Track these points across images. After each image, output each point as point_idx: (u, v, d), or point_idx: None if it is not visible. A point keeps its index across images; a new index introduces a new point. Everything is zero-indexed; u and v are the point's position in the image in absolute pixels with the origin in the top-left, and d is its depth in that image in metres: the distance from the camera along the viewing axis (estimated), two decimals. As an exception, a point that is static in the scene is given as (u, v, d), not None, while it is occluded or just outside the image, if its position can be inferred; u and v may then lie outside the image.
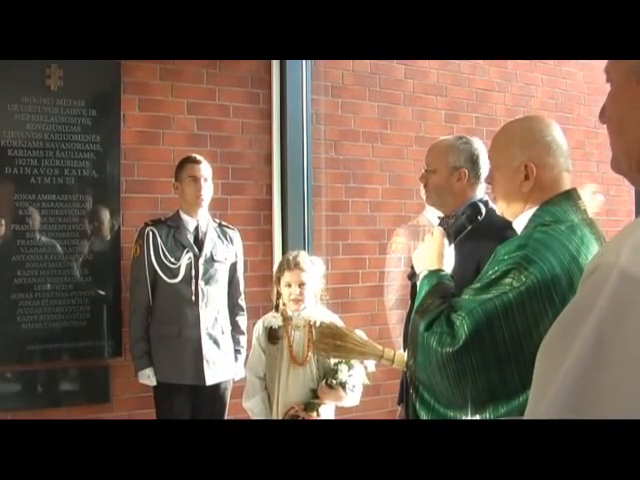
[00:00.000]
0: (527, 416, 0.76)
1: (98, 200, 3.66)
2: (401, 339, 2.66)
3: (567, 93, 5.42)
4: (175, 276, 3.29)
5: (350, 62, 4.43)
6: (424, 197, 2.87)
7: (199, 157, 3.41)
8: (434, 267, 1.77)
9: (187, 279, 3.29)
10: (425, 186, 2.50)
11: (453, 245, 1.88)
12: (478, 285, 1.61)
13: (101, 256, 3.65)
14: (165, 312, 3.30)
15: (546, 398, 0.71)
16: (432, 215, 3.47)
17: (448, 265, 1.79)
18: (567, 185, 1.72)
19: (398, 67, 4.61)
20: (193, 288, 3.29)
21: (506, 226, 2.35)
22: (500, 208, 1.79)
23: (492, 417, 1.56)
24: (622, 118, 0.86)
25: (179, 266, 3.30)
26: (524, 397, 1.53)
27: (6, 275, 3.43)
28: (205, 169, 3.38)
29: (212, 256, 3.37)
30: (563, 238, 1.59)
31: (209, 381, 3.29)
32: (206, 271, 3.33)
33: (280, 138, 4.09)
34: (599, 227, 1.75)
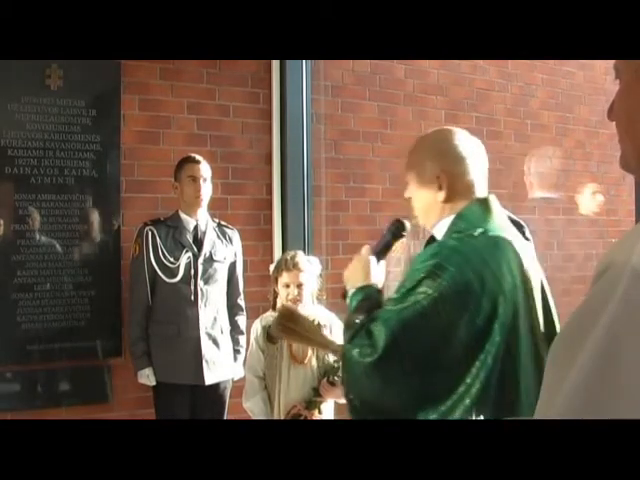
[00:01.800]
0: (538, 416, 0.76)
1: (98, 200, 3.66)
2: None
3: (567, 93, 5.43)
4: (174, 276, 3.29)
5: (350, 62, 4.43)
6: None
7: (198, 157, 3.41)
8: (362, 284, 1.79)
9: (186, 279, 3.29)
10: None
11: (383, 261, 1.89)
12: (396, 295, 1.64)
13: (101, 256, 3.65)
14: (164, 312, 3.30)
15: (559, 397, 0.70)
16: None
17: (378, 280, 1.82)
18: (482, 192, 1.76)
19: (398, 67, 4.61)
20: (192, 288, 3.29)
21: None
22: (420, 219, 1.82)
23: None
24: (631, 115, 0.86)
25: (178, 266, 3.30)
26: (451, 403, 1.57)
27: (6, 275, 3.43)
28: (204, 169, 3.38)
29: (211, 256, 3.37)
30: (476, 243, 1.63)
31: (208, 381, 3.29)
32: (205, 271, 3.33)
33: (280, 138, 4.09)
34: (515, 231, 1.79)
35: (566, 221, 5.39)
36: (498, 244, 1.65)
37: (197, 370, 3.27)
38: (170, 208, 3.51)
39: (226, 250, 3.45)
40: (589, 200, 5.37)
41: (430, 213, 1.77)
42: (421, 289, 1.58)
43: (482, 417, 1.57)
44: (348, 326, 1.70)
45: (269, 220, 4.09)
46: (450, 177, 1.72)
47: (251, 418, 3.00)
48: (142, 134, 3.79)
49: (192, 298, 3.29)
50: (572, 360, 0.70)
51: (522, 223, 2.38)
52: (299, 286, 2.96)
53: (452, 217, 1.72)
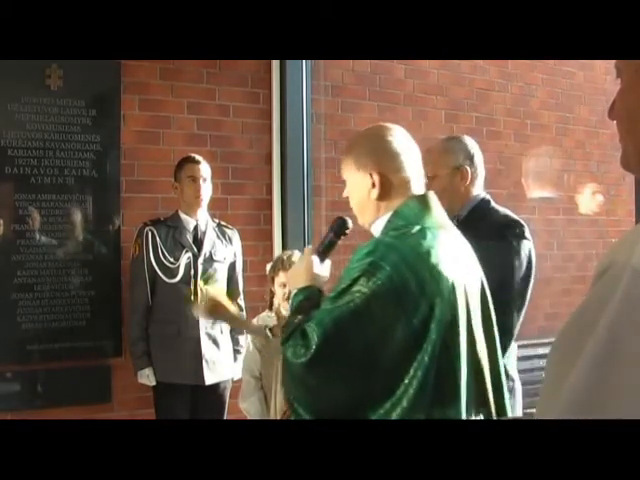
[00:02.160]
0: (538, 415, 0.76)
1: (98, 200, 3.66)
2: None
3: (567, 93, 5.43)
4: (174, 276, 3.29)
5: (350, 62, 4.43)
6: None
7: (198, 157, 3.41)
8: (303, 284, 1.77)
9: (186, 279, 3.29)
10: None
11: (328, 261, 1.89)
12: (332, 295, 1.62)
13: (101, 256, 3.65)
14: (164, 312, 3.30)
15: (559, 398, 0.70)
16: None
17: (321, 280, 1.80)
18: (419, 190, 1.74)
19: (398, 67, 4.61)
20: (192, 288, 3.29)
21: (506, 224, 2.36)
22: (358, 217, 1.80)
23: None
24: (632, 115, 0.85)
25: (178, 266, 3.30)
26: (390, 403, 1.54)
27: (6, 275, 3.43)
28: (204, 169, 3.38)
29: (211, 256, 3.37)
30: (413, 241, 1.60)
31: (208, 381, 3.29)
32: (205, 271, 3.33)
33: (280, 138, 4.08)
34: (454, 228, 1.78)
35: (566, 221, 5.39)
36: (436, 241, 1.62)
37: (197, 370, 3.27)
38: (170, 208, 3.51)
39: (226, 250, 3.45)
40: (589, 200, 5.37)
41: (366, 211, 1.76)
42: (356, 288, 1.55)
43: (421, 418, 1.54)
44: (287, 326, 1.68)
45: (269, 220, 4.09)
46: (383, 174, 1.70)
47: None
48: (142, 134, 3.79)
49: (192, 298, 3.29)
50: (572, 360, 0.70)
51: (522, 223, 2.38)
52: (295, 285, 2.95)
53: (389, 215, 1.70)
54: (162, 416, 3.29)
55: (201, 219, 3.41)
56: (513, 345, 2.44)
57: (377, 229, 1.73)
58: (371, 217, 1.75)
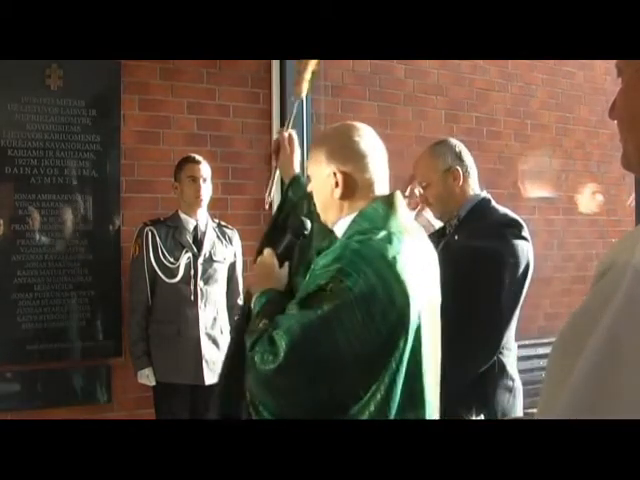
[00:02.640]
0: (539, 415, 0.75)
1: (98, 200, 3.66)
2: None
3: (567, 93, 5.42)
4: (174, 276, 3.29)
5: (350, 62, 4.43)
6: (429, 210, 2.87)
7: (198, 157, 3.41)
8: (265, 288, 1.76)
9: (186, 279, 3.29)
10: (427, 203, 2.49)
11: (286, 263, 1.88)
12: (298, 300, 1.61)
13: (101, 256, 3.65)
14: (164, 312, 3.30)
15: (560, 398, 0.70)
16: (432, 215, 3.47)
17: (282, 283, 1.79)
18: (384, 190, 1.73)
19: (398, 67, 4.61)
20: (192, 288, 3.29)
21: (505, 224, 2.36)
22: (321, 216, 1.79)
23: None
24: (633, 114, 0.85)
25: (178, 266, 3.29)
26: (357, 409, 1.55)
27: (6, 275, 3.43)
28: (204, 169, 3.38)
29: (211, 256, 3.37)
30: (380, 247, 1.58)
31: (208, 381, 3.29)
32: (205, 271, 3.33)
33: (280, 138, 4.08)
34: (421, 232, 1.78)
35: (566, 221, 5.39)
36: (401, 248, 1.60)
37: (197, 370, 3.27)
38: (170, 208, 3.51)
39: (226, 250, 3.45)
40: (589, 200, 5.37)
41: (329, 210, 1.74)
42: (323, 294, 1.54)
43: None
44: (251, 332, 1.65)
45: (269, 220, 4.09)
46: (347, 174, 1.69)
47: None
48: (142, 134, 3.79)
49: (192, 298, 3.29)
50: (573, 360, 0.70)
51: (521, 222, 2.38)
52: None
53: (353, 215, 1.69)
54: (162, 416, 3.29)
55: (201, 219, 3.41)
56: (513, 345, 2.43)
57: (340, 229, 1.72)
58: (334, 216, 1.74)
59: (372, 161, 1.72)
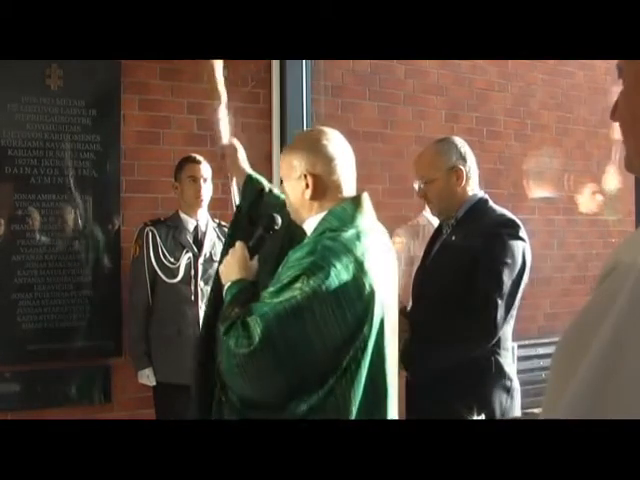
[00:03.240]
0: (543, 415, 0.75)
1: (98, 200, 3.66)
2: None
3: (567, 93, 5.42)
4: (174, 276, 3.29)
5: (350, 62, 4.43)
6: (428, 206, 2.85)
7: (199, 157, 3.41)
8: (236, 278, 1.88)
9: (186, 279, 3.29)
10: (426, 199, 2.48)
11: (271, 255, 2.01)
12: (272, 289, 1.73)
13: (101, 256, 3.65)
14: (164, 312, 3.30)
15: (564, 398, 0.70)
16: (431, 215, 3.47)
17: (252, 274, 1.91)
18: (351, 192, 1.88)
19: (398, 67, 4.61)
20: (192, 288, 3.29)
21: (502, 224, 2.36)
22: (292, 215, 1.93)
23: (294, 414, 1.68)
24: (636, 116, 0.84)
25: (178, 266, 3.29)
26: (322, 393, 1.69)
27: (6, 275, 3.43)
28: (205, 169, 3.38)
29: (211, 256, 3.37)
30: (349, 244, 1.73)
31: (209, 381, 3.29)
32: (205, 271, 3.33)
33: (280, 138, 4.08)
34: (384, 232, 1.91)
35: (566, 221, 5.39)
36: (368, 245, 1.75)
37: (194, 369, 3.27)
38: (170, 208, 3.51)
39: (226, 250, 3.45)
40: (589, 200, 5.37)
41: (300, 210, 1.88)
42: (297, 285, 1.67)
43: (353, 409, 1.69)
44: (224, 318, 1.77)
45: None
46: (317, 176, 1.83)
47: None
48: (142, 134, 3.79)
49: (192, 298, 3.29)
50: (578, 360, 0.70)
51: (518, 223, 2.38)
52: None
53: (323, 214, 1.83)
54: (162, 416, 3.28)
55: (201, 219, 3.41)
56: (510, 345, 2.44)
57: (310, 226, 1.85)
58: (304, 216, 1.88)
59: (340, 164, 1.86)
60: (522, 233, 2.35)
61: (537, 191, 5.18)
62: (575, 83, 5.47)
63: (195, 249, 3.34)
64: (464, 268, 2.25)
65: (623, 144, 0.88)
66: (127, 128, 3.75)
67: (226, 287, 1.89)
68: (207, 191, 3.38)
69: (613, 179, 5.22)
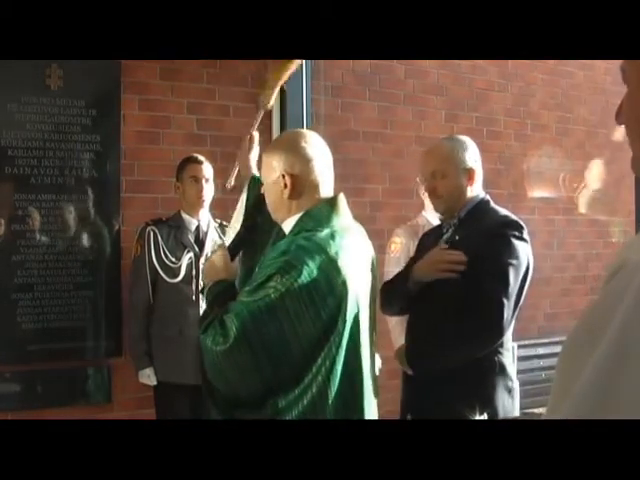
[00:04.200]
0: (548, 415, 0.75)
1: (98, 200, 3.66)
2: (401, 338, 2.67)
3: (567, 93, 5.42)
4: (176, 276, 3.29)
5: (350, 62, 4.43)
6: (427, 202, 2.84)
7: (200, 157, 3.41)
8: (217, 278, 1.94)
9: (188, 279, 3.29)
10: (433, 194, 2.45)
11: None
12: (248, 289, 1.78)
13: (101, 256, 3.65)
14: (166, 312, 3.30)
15: (570, 398, 0.70)
16: (431, 215, 3.48)
17: (233, 275, 1.98)
18: (328, 192, 1.92)
19: (398, 67, 4.61)
20: (194, 288, 3.29)
21: (506, 224, 2.36)
22: (272, 214, 1.97)
23: (273, 412, 1.73)
24: None
25: (180, 266, 3.30)
26: (299, 390, 1.73)
27: (6, 275, 3.42)
28: (206, 169, 3.38)
29: (212, 256, 3.37)
30: (323, 244, 1.77)
31: (209, 381, 3.29)
32: (206, 271, 3.33)
33: (280, 138, 4.08)
34: (361, 231, 1.96)
35: (566, 221, 5.39)
36: (343, 244, 1.80)
37: (198, 370, 3.27)
38: (170, 208, 3.51)
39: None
40: (589, 200, 5.37)
41: (279, 210, 1.92)
42: (271, 284, 1.72)
43: (330, 404, 1.73)
44: (204, 317, 1.85)
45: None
46: (295, 176, 1.87)
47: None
48: (142, 134, 3.79)
49: (193, 298, 3.29)
50: (584, 359, 0.70)
51: (522, 224, 2.38)
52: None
53: (300, 214, 1.87)
54: (163, 416, 3.28)
55: (203, 219, 3.41)
56: (511, 345, 2.44)
57: (288, 226, 1.89)
58: (283, 215, 1.91)
59: (318, 165, 1.90)
60: (525, 234, 2.35)
61: (537, 191, 5.18)
62: (575, 83, 5.47)
63: (196, 249, 3.34)
64: (470, 268, 2.25)
65: (630, 147, 0.87)
66: (127, 128, 3.75)
67: (207, 287, 1.95)
68: (209, 191, 3.38)
69: (597, 176, 5.22)
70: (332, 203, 1.89)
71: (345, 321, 1.77)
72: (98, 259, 3.64)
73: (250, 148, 2.44)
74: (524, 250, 2.31)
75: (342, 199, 1.92)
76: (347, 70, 4.44)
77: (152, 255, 3.29)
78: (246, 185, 2.35)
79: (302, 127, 4.12)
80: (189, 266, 3.30)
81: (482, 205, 2.43)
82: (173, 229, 3.35)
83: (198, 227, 3.39)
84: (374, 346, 1.95)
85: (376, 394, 1.92)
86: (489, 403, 2.25)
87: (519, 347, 4.23)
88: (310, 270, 1.72)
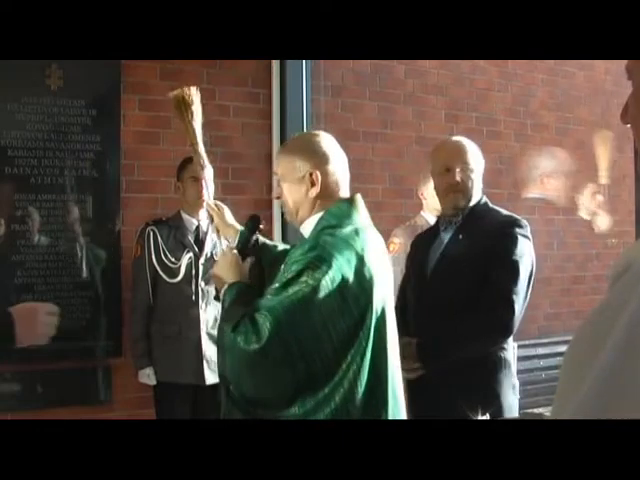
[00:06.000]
0: (554, 416, 0.75)
1: (98, 200, 3.65)
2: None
3: (567, 93, 5.42)
4: (176, 276, 3.29)
5: (350, 62, 4.42)
6: (427, 202, 2.84)
7: (200, 157, 3.40)
8: (232, 280, 1.91)
9: (187, 279, 3.29)
10: (458, 187, 2.41)
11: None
12: (277, 285, 1.76)
13: (101, 256, 3.65)
14: (165, 312, 3.30)
15: (576, 398, 0.70)
16: (430, 215, 3.48)
17: (244, 276, 1.95)
18: (346, 191, 1.93)
19: (398, 67, 4.61)
20: (193, 288, 3.29)
21: (512, 222, 2.38)
22: (289, 215, 1.97)
23: (300, 412, 1.70)
24: None
25: (179, 266, 3.30)
26: (328, 389, 1.70)
27: (6, 275, 3.42)
28: (207, 170, 3.37)
29: (212, 256, 3.37)
30: (348, 239, 1.78)
31: (209, 380, 3.29)
32: (206, 271, 3.33)
33: (280, 138, 4.08)
34: (375, 230, 1.94)
35: (566, 221, 5.39)
36: (366, 240, 1.81)
37: (198, 370, 3.27)
38: (170, 208, 3.51)
39: (226, 250, 3.45)
40: (589, 200, 5.37)
41: (301, 208, 1.91)
42: (302, 279, 1.70)
43: (359, 400, 1.71)
44: (230, 317, 1.78)
45: (269, 220, 4.09)
46: (322, 175, 1.87)
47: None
48: (142, 134, 3.79)
49: (193, 298, 3.29)
50: (591, 360, 0.70)
51: (525, 223, 2.41)
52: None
53: (320, 214, 1.87)
54: (162, 416, 3.28)
55: (203, 219, 3.41)
56: (513, 344, 2.45)
57: (310, 225, 1.89)
58: (305, 215, 1.91)
59: (338, 165, 1.92)
60: (529, 233, 2.40)
61: (537, 191, 5.18)
62: (575, 83, 5.47)
63: (196, 249, 3.34)
64: (479, 266, 2.28)
65: (636, 146, 0.86)
66: (127, 128, 3.74)
67: (223, 290, 1.91)
68: (209, 191, 3.37)
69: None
70: (352, 202, 1.90)
71: (372, 316, 1.76)
72: (98, 259, 3.63)
73: (221, 213, 2.28)
74: (530, 248, 2.37)
75: (360, 199, 1.93)
76: (347, 70, 4.44)
77: (152, 255, 3.29)
78: (236, 240, 2.21)
79: (302, 127, 4.12)
80: (189, 266, 3.30)
81: (483, 205, 2.46)
82: (173, 229, 3.36)
83: (198, 227, 3.39)
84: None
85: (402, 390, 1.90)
86: (495, 399, 2.28)
87: (519, 347, 4.23)
88: (340, 264, 1.72)
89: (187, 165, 3.38)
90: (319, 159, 1.89)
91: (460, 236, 2.40)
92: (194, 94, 2.36)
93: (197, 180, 3.34)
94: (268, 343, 1.67)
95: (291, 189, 1.92)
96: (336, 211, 1.86)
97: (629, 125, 0.86)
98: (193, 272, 3.30)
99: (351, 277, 1.73)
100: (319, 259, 1.72)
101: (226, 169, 3.98)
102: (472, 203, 2.44)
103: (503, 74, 5.06)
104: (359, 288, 1.74)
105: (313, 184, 1.87)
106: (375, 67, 4.51)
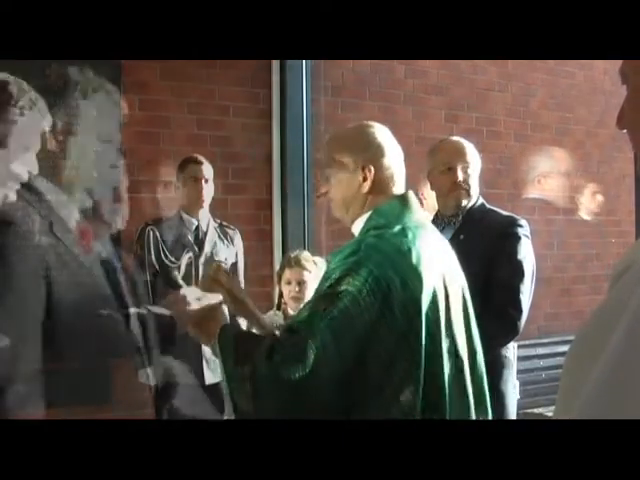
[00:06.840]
0: (557, 415, 0.75)
1: (98, 200, 3.65)
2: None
3: (567, 93, 5.42)
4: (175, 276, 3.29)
5: (350, 62, 4.43)
6: (427, 202, 2.86)
7: (200, 157, 3.41)
8: (216, 330, 1.67)
9: (187, 279, 3.29)
10: (463, 185, 2.43)
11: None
12: (315, 297, 1.62)
13: (101, 256, 3.64)
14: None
15: (580, 397, 0.70)
16: (430, 215, 3.48)
17: (224, 316, 1.75)
18: (401, 188, 1.77)
19: (398, 67, 4.61)
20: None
21: (513, 222, 2.39)
22: (339, 213, 1.80)
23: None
24: None
25: (179, 266, 3.30)
26: (383, 397, 1.53)
27: (6, 275, 3.42)
28: (206, 170, 3.38)
29: (212, 256, 3.37)
30: (395, 241, 1.62)
31: (208, 380, 3.29)
32: (206, 271, 3.33)
33: (280, 138, 4.08)
34: (434, 229, 1.81)
35: (566, 221, 5.39)
36: (416, 240, 1.63)
37: (197, 370, 3.27)
38: (170, 208, 3.51)
39: (227, 251, 3.45)
40: (589, 200, 5.37)
41: (351, 207, 1.75)
42: (342, 287, 1.54)
43: (415, 411, 1.53)
44: (242, 359, 1.55)
45: (269, 220, 4.09)
46: (375, 169, 1.73)
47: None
48: (142, 134, 3.79)
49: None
50: (593, 360, 0.70)
51: (525, 222, 2.42)
52: (300, 283, 2.94)
53: (370, 212, 1.71)
54: (162, 416, 3.29)
55: (203, 219, 3.41)
56: (513, 344, 2.46)
57: (359, 225, 1.74)
58: (356, 213, 1.75)
59: (392, 159, 1.78)
60: (529, 232, 2.42)
61: (537, 191, 5.18)
62: (575, 83, 5.47)
63: (196, 249, 3.35)
64: (482, 266, 2.28)
65: (634, 150, 0.86)
66: (127, 128, 3.74)
67: (215, 343, 1.65)
68: (208, 192, 3.38)
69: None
70: (404, 199, 1.75)
71: (421, 320, 1.57)
72: (98, 259, 3.63)
73: (229, 278, 2.01)
74: (531, 247, 2.39)
75: (413, 196, 1.78)
76: (347, 70, 4.44)
77: (152, 255, 3.29)
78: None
79: (302, 127, 4.12)
80: (188, 266, 3.31)
81: (480, 205, 2.48)
82: (173, 229, 3.36)
83: (198, 227, 3.39)
84: (474, 345, 1.73)
85: (480, 395, 1.72)
86: (496, 399, 2.28)
87: (519, 347, 4.23)
88: (383, 270, 1.55)
89: (187, 165, 3.38)
90: (373, 152, 1.75)
91: (461, 236, 2.40)
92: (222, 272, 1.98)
93: (197, 180, 3.34)
94: (316, 366, 1.47)
95: (341, 184, 1.75)
96: (386, 209, 1.70)
97: (625, 130, 0.86)
98: (193, 272, 3.30)
99: (395, 282, 1.55)
100: (358, 264, 1.56)
101: (226, 169, 3.98)
102: (470, 204, 2.45)
103: (503, 74, 5.06)
104: (404, 292, 1.55)
105: (365, 179, 1.72)
106: (375, 67, 4.51)
